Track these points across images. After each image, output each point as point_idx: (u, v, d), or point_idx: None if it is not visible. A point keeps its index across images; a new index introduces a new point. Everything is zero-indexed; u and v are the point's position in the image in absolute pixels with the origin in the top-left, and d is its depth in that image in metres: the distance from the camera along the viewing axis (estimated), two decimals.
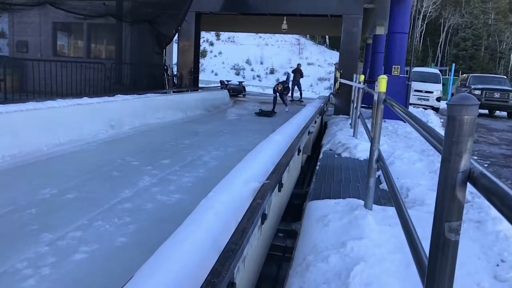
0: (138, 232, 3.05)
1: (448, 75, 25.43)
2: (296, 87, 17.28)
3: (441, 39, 42.30)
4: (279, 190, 3.16)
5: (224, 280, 1.45)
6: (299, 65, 18.11)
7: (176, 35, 12.54)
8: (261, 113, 11.41)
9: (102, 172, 4.61)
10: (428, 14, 40.69)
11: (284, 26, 14.58)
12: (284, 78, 13.25)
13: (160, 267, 1.49)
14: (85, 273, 2.45)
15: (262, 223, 2.46)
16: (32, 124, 5.39)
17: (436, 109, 14.51)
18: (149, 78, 11.24)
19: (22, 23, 11.52)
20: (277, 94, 11.99)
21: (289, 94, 12.67)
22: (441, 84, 15.72)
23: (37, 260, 2.56)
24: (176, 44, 13.98)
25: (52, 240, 2.84)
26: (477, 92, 14.39)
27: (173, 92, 11.17)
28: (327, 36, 39.46)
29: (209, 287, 1.37)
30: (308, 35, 38.25)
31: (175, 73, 13.80)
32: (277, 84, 12.24)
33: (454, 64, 26.02)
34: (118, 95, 7.87)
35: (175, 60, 14.65)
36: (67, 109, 6.18)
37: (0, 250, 2.66)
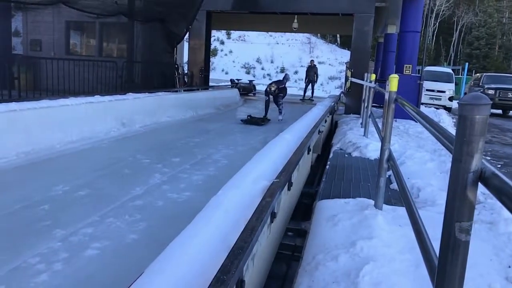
0: (149, 229, 3.08)
1: (461, 75, 25.11)
2: (309, 86, 16.86)
3: (454, 38, 41.78)
4: (289, 189, 3.16)
5: (234, 277, 1.46)
6: (312, 61, 17.14)
7: (187, 34, 12.59)
8: (249, 121, 9.12)
9: (113, 170, 4.66)
10: (441, 13, 40.21)
11: (295, 25, 14.54)
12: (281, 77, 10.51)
13: (170, 264, 1.51)
14: (96, 269, 2.49)
15: (272, 221, 2.47)
16: (45, 122, 5.47)
17: (448, 109, 14.36)
18: (160, 77, 11.31)
19: (36, 22, 11.68)
20: (270, 96, 9.74)
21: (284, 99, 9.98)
22: (453, 84, 15.55)
23: (50, 255, 2.60)
24: (187, 43, 14.04)
25: (65, 236, 2.88)
26: (491, 91, 14.20)
27: (184, 90, 11.22)
28: (338, 35, 39.25)
29: (218, 284, 1.38)
30: (319, 34, 38.09)
31: (186, 71, 13.86)
32: (270, 84, 9.87)
33: (467, 63, 25.66)
34: (130, 93, 7.94)
35: (185, 58, 14.71)
36: (80, 107, 6.25)
37: (13, 245, 2.71)
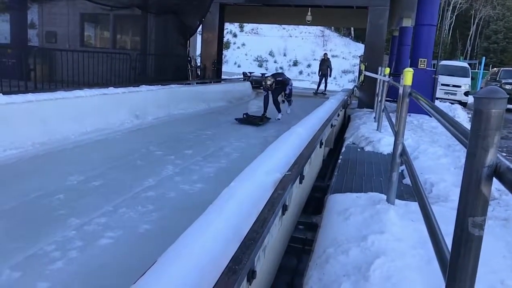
0: (161, 220, 3.12)
1: (478, 69, 24.66)
2: (323, 79, 16.71)
3: (471, 32, 40.94)
4: (300, 182, 3.16)
5: (245, 267, 1.48)
6: (325, 54, 17.00)
7: (200, 27, 12.60)
8: (245, 120, 7.91)
9: (126, 161, 4.72)
10: (458, 6, 39.40)
11: (309, 17, 14.42)
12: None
13: (182, 253, 1.53)
14: (110, 257, 2.53)
15: (283, 214, 2.48)
16: (60, 113, 5.56)
17: (464, 104, 14.15)
18: (173, 69, 11.35)
19: (51, 14, 11.81)
20: (268, 92, 8.40)
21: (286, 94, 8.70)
22: (469, 78, 15.29)
23: (65, 243, 2.66)
24: (200, 36, 14.06)
25: (79, 225, 2.94)
26: (508, 86, 13.94)
27: (196, 83, 11.26)
28: (352, 28, 38.82)
29: (230, 273, 1.40)
30: (332, 27, 37.72)
31: (199, 64, 13.89)
32: (266, 77, 8.51)
33: (484, 58, 25.18)
34: (143, 85, 8.00)
35: (198, 51, 14.74)
36: (94, 98, 6.33)
37: (30, 233, 2.78)
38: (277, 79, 8.35)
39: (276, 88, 8.34)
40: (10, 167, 4.24)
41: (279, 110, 8.64)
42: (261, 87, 8.60)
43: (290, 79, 8.87)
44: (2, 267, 2.32)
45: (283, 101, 8.77)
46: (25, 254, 2.50)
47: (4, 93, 5.10)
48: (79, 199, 3.44)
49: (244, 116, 8.03)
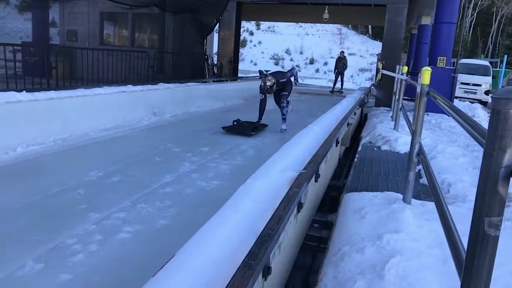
0: (179, 216, 3.17)
1: (499, 67, 24.10)
2: (339, 78, 16.63)
3: (492, 29, 40.01)
4: (316, 181, 3.17)
5: (261, 263, 1.50)
6: (342, 52, 16.95)
7: (217, 25, 12.66)
8: (235, 129, 6.47)
9: (144, 157, 4.80)
10: (479, 3, 38.56)
11: (326, 15, 14.33)
12: (293, 71, 7.66)
13: (200, 248, 1.57)
14: (128, 251, 2.59)
15: (298, 211, 2.50)
16: (80, 110, 5.68)
17: (484, 103, 13.88)
18: (190, 67, 11.45)
19: (72, 13, 12.06)
20: (266, 95, 6.86)
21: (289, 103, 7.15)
22: (490, 77, 14.97)
23: (85, 237, 2.73)
24: (217, 34, 14.13)
25: (99, 220, 3.01)
26: None
27: (213, 81, 11.33)
28: (369, 26, 38.39)
29: (246, 268, 1.43)
30: (350, 25, 37.39)
31: (215, 62, 13.96)
32: (266, 77, 6.71)
33: (506, 56, 24.58)
34: (161, 83, 8.10)
35: (215, 49, 14.81)
36: (113, 96, 6.44)
37: (53, 226, 2.86)
38: (280, 80, 6.75)
39: (277, 90, 6.83)
40: (32, 162, 4.36)
41: (284, 117, 6.99)
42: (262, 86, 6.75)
43: (291, 80, 7.23)
44: (25, 259, 2.40)
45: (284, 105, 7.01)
46: (47, 246, 2.58)
47: (27, 91, 5.24)
48: (98, 194, 3.52)
49: (235, 123, 6.68)
